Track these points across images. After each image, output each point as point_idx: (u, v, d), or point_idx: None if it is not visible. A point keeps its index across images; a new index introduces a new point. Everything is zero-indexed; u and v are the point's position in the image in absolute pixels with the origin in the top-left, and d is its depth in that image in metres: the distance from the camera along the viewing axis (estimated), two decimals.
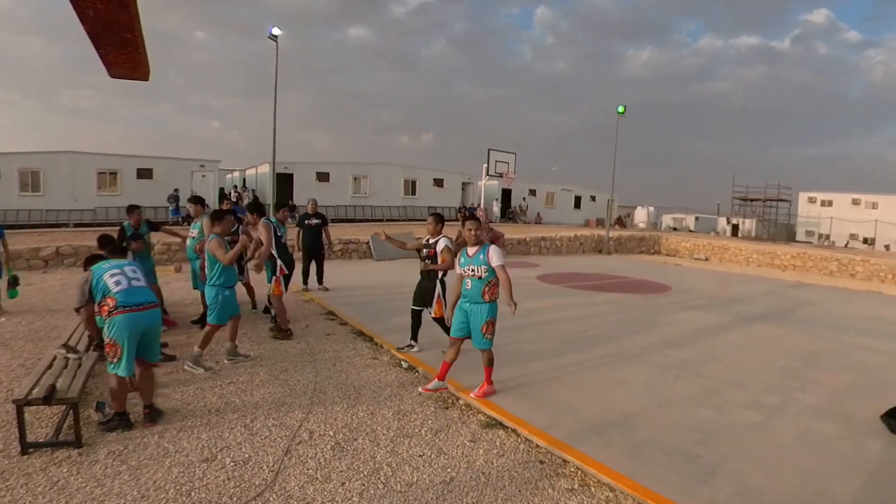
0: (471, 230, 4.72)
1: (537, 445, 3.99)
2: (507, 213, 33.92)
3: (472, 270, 4.62)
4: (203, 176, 26.26)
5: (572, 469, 3.66)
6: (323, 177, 29.04)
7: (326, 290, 9.75)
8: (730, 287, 13.83)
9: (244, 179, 33.75)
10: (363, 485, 3.35)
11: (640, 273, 15.87)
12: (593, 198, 39.13)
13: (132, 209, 7.04)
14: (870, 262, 18.70)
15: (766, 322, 9.18)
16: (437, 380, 4.95)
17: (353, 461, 3.66)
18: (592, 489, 3.42)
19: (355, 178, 29.97)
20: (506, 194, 34.19)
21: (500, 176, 20.19)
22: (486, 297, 4.61)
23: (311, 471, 3.51)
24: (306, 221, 9.63)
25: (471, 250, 4.71)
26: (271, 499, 3.17)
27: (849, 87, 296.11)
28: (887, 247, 37.04)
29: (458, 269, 4.79)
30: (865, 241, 39.41)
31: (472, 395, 4.76)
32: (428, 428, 4.26)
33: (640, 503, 3.26)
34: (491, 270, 4.58)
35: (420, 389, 4.94)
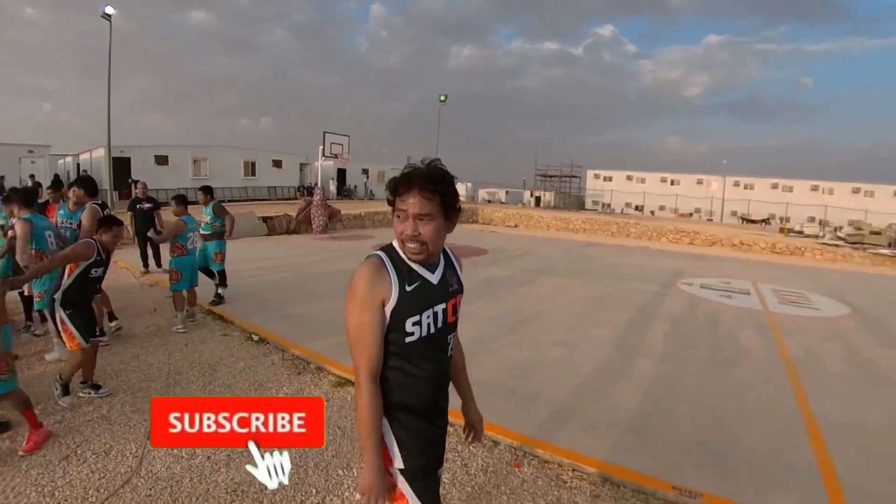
0: None
1: None
2: (343, 191, 34.35)
3: None
4: (32, 162, 22.74)
5: None
6: (162, 160, 26.48)
7: (166, 271, 8.93)
8: (536, 248, 15.31)
9: (78, 164, 29.79)
10: (228, 455, 3.19)
11: (461, 240, 16.75)
12: None
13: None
14: (640, 224, 22.23)
15: (566, 276, 10.36)
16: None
17: None
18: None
19: (195, 161, 27.82)
20: (341, 174, 34.42)
21: (336, 157, 20.19)
22: None
23: (175, 450, 3.24)
24: (138, 206, 9.08)
25: None
26: (139, 484, 2.89)
27: (627, 88, 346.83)
28: (653, 212, 44.01)
29: None
30: (637, 208, 46.37)
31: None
32: (284, 394, 4.20)
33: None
34: None
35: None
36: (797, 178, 46.65)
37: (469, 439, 1.95)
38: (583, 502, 2.91)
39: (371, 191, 35.60)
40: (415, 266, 1.58)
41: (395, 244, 1.61)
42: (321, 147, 19.25)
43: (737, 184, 47.85)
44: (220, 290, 6.85)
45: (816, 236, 25.50)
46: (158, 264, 9.28)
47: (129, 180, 22.39)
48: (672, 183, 50.00)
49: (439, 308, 1.62)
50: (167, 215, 8.67)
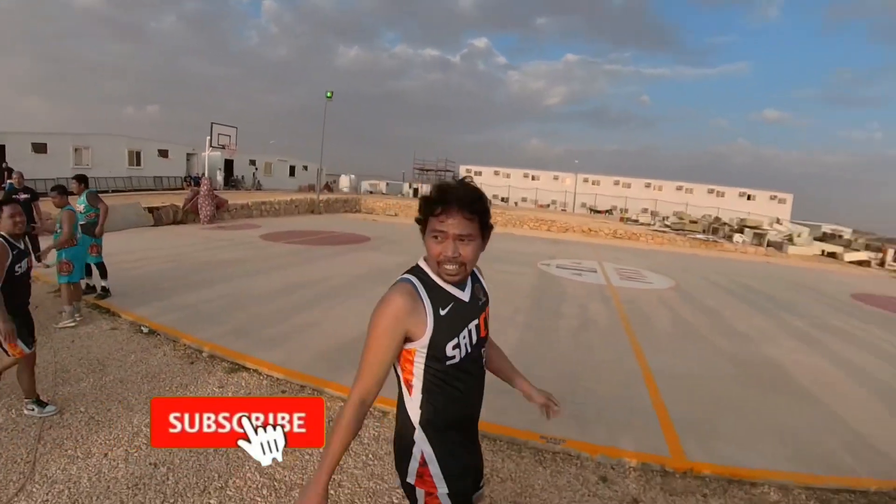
0: None
1: (278, 379, 4.09)
2: (231, 182, 32.30)
3: None
4: None
5: (311, 391, 3.88)
6: (40, 148, 22.86)
7: (47, 266, 7.83)
8: (415, 235, 15.53)
9: None
10: (126, 450, 2.99)
11: (346, 228, 16.59)
12: (305, 167, 39.76)
13: None
14: (505, 213, 23.60)
15: None
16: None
17: (112, 430, 3.20)
18: (328, 403, 3.66)
19: (76, 149, 24.38)
20: (228, 164, 32.33)
21: (223, 147, 19.17)
22: None
23: (70, 451, 2.97)
24: (13, 197, 7.78)
25: None
26: (34, 490, 2.61)
27: (497, 94, 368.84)
28: (516, 203, 46.75)
29: None
30: (503, 199, 48.81)
31: None
32: (178, 384, 3.98)
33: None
34: None
35: None
36: (634, 176, 52.46)
37: (551, 416, 1.87)
38: None
39: (258, 181, 33.95)
40: (447, 287, 1.48)
41: (423, 265, 1.52)
42: (209, 137, 18.12)
43: (586, 180, 52.56)
44: (104, 283, 6.27)
45: (649, 224, 29.17)
46: (38, 259, 8.20)
47: (3, 165, 19.22)
48: (533, 178, 53.67)
49: (472, 325, 1.53)
50: (46, 206, 7.61)
